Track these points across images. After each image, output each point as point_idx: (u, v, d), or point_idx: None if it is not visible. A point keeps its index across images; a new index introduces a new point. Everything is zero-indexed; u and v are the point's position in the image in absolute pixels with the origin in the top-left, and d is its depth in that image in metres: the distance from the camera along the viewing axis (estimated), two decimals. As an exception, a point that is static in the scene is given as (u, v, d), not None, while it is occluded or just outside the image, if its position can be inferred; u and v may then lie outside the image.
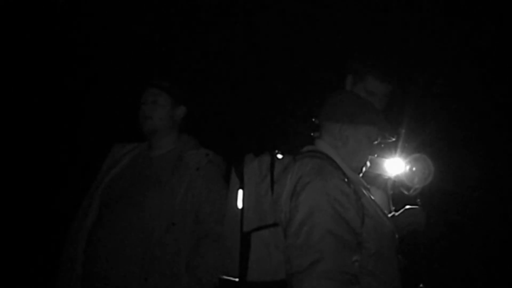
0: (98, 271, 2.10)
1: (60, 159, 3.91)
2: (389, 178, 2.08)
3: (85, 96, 3.97)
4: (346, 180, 1.68)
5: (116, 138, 2.55)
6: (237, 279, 1.69)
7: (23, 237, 3.75)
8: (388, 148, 2.08)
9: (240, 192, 1.78)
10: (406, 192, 2.02)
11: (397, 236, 1.80)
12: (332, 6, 3.57)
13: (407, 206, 2.02)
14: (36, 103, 4.00)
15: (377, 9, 3.56)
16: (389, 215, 1.95)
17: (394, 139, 1.93)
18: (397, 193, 2.09)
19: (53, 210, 3.63)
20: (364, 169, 1.86)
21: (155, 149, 2.36)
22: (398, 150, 2.06)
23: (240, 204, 1.76)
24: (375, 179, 2.07)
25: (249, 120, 3.58)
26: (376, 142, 1.85)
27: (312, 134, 1.90)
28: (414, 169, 2.00)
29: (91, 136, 3.80)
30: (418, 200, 2.03)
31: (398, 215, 2.01)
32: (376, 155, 1.88)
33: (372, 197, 1.81)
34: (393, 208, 2.13)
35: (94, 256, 2.13)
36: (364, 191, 1.78)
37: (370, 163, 1.89)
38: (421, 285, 2.04)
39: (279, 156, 1.80)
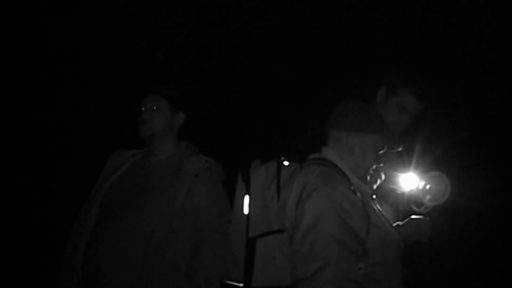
0: (98, 277, 2.10)
1: (61, 163, 3.90)
2: (403, 194, 2.07)
3: (86, 101, 3.96)
4: (352, 188, 1.69)
5: (117, 144, 2.56)
6: (241, 285, 1.69)
7: (24, 242, 3.74)
8: (403, 163, 2.07)
9: (246, 198, 1.79)
10: (417, 209, 2.01)
11: (402, 245, 1.81)
12: (340, 7, 3.58)
13: (412, 216, 2.02)
14: (35, 107, 4.00)
15: (386, 18, 3.57)
16: (394, 225, 1.95)
17: (399, 149, 1.94)
18: (408, 209, 2.05)
19: (54, 215, 3.62)
20: (378, 181, 1.87)
21: (154, 155, 2.37)
22: (414, 165, 2.05)
23: (246, 210, 1.76)
24: (387, 195, 2.07)
25: (255, 126, 3.58)
26: (382, 152, 1.86)
27: (318, 142, 1.90)
28: (428, 187, 1.98)
29: (91, 141, 3.80)
30: (428, 218, 2.01)
31: (403, 224, 2.01)
32: (381, 165, 1.89)
33: (378, 207, 1.82)
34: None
35: (94, 262, 2.13)
36: (370, 200, 1.79)
37: (385, 176, 1.89)
38: None
39: (286, 163, 1.81)
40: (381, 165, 1.86)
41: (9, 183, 3.86)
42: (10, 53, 3.88)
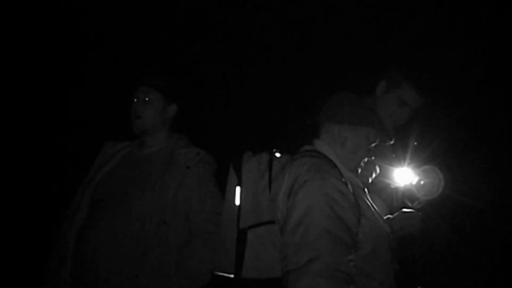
0: (88, 270, 2.09)
1: (52, 157, 3.88)
2: (397, 189, 2.07)
3: (77, 94, 3.94)
4: (343, 180, 1.70)
5: (108, 136, 2.54)
6: (232, 276, 1.69)
7: (14, 236, 3.71)
8: (398, 158, 2.08)
9: (238, 189, 1.78)
10: (410, 204, 2.01)
11: (392, 238, 1.81)
12: (330, 7, 3.58)
13: (403, 209, 2.02)
14: (28, 101, 3.97)
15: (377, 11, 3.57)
16: (385, 218, 1.95)
17: (391, 142, 1.94)
18: (401, 205, 2.04)
19: (44, 208, 3.60)
20: (373, 174, 1.86)
21: (146, 147, 2.36)
22: (408, 160, 2.06)
23: (237, 201, 1.76)
24: (382, 190, 2.07)
25: (247, 118, 3.58)
26: (374, 144, 1.87)
27: (310, 133, 1.90)
28: (422, 182, 1.98)
29: (82, 134, 3.78)
30: (420, 213, 2.01)
31: (394, 217, 2.02)
32: (373, 158, 1.89)
33: (369, 199, 1.82)
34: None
35: (84, 255, 2.12)
36: (361, 192, 1.79)
37: (380, 171, 1.89)
38: None
39: (278, 154, 1.81)
40: (373, 158, 1.87)
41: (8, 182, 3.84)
42: (9, 52, 3.87)
